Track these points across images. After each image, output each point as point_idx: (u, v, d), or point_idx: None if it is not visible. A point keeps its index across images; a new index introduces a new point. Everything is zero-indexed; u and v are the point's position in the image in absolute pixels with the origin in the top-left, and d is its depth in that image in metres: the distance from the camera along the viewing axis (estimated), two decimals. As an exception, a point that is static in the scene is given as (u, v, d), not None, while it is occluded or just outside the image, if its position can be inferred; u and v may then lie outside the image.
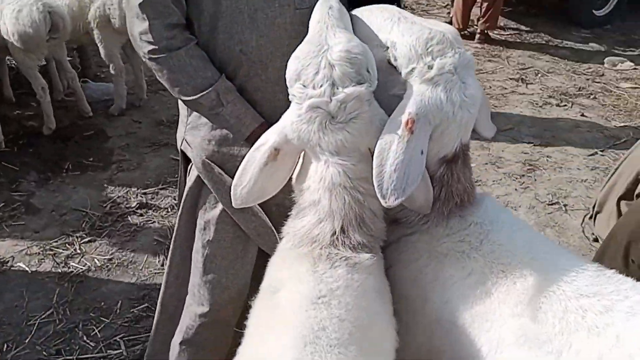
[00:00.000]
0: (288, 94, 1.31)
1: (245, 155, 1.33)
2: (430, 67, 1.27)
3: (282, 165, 1.31)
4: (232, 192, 1.33)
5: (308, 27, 1.36)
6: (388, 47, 1.33)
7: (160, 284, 2.01)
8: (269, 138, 1.30)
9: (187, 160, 1.82)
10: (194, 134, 1.72)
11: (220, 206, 1.72)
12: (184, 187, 1.84)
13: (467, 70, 1.31)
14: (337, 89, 1.23)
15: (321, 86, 1.23)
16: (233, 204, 1.34)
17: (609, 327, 1.15)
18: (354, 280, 1.23)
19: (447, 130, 1.30)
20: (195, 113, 1.70)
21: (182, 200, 1.83)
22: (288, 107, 1.31)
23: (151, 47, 1.53)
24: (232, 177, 1.36)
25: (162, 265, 3.00)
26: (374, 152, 1.25)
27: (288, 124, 1.28)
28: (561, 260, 1.32)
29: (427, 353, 1.40)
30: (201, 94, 1.54)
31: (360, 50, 1.25)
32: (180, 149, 1.81)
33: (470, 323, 1.29)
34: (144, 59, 1.60)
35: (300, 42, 1.32)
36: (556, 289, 1.24)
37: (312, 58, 1.25)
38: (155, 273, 2.99)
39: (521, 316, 1.23)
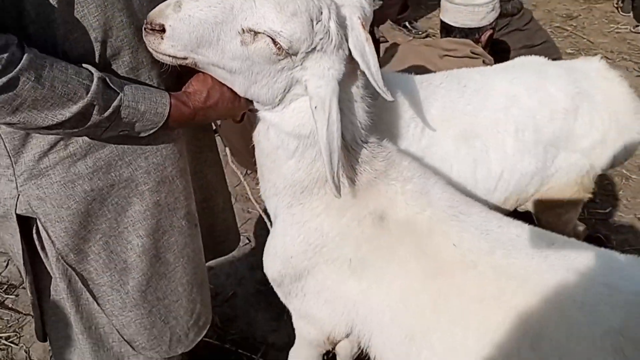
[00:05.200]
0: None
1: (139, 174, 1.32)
2: None
3: None
4: None
5: None
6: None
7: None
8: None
9: (25, 226, 1.35)
10: (41, 183, 1.28)
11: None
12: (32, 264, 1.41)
13: None
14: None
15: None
16: None
17: None
18: None
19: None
20: (31, 154, 1.25)
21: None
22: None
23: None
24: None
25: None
26: None
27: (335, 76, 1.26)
28: None
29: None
30: (88, 96, 1.13)
31: None
32: (17, 215, 1.31)
33: None
34: None
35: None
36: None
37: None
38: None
39: None
